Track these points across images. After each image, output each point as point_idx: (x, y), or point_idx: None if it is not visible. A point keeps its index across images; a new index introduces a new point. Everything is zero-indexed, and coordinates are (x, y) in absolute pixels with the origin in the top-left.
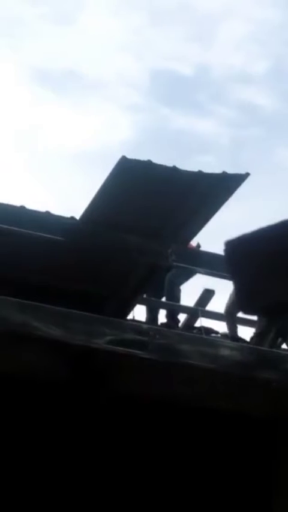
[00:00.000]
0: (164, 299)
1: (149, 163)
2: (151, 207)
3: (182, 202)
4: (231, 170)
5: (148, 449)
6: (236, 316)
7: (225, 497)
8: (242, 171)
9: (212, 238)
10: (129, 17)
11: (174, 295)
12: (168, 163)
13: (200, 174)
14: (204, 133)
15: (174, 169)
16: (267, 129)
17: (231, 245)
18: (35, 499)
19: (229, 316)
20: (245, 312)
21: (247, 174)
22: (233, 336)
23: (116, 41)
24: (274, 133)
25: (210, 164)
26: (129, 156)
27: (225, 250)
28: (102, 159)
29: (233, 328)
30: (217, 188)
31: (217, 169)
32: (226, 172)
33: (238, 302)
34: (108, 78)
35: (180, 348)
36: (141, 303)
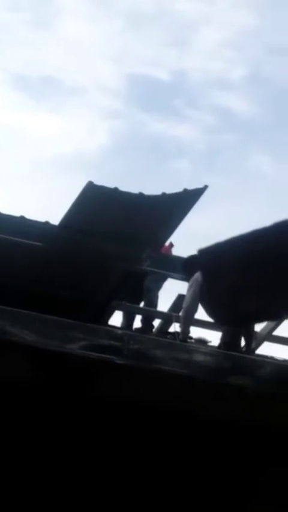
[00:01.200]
0: (142, 304)
1: (114, 191)
2: (119, 226)
3: (147, 221)
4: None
5: (120, 454)
6: (193, 318)
7: (199, 503)
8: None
9: (188, 241)
10: (107, 22)
11: (151, 301)
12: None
13: (163, 196)
14: (180, 139)
15: (140, 195)
16: (243, 134)
17: (204, 253)
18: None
19: (188, 318)
20: (218, 321)
21: (205, 187)
22: (184, 338)
23: (94, 46)
24: (250, 139)
25: (186, 169)
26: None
27: (199, 257)
28: (80, 165)
29: (187, 329)
30: (179, 204)
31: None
32: (186, 189)
33: (211, 311)
34: (86, 84)
35: (154, 353)
36: (117, 308)
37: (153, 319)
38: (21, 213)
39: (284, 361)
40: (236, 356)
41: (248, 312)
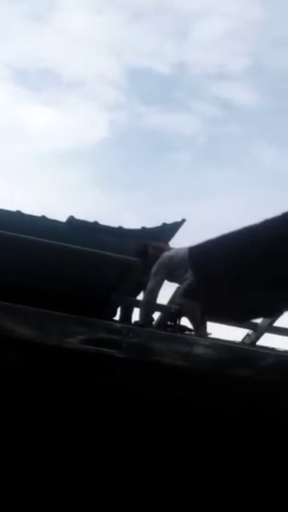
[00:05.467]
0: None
1: (95, 225)
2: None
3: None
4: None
5: (118, 446)
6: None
7: (194, 495)
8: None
9: (189, 234)
10: (107, 14)
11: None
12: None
13: (143, 230)
14: (181, 131)
15: (119, 229)
16: (245, 126)
17: (195, 251)
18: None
19: (151, 303)
20: (212, 319)
21: (183, 220)
22: (145, 323)
23: (94, 38)
24: (251, 130)
25: (186, 160)
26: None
27: (190, 256)
28: (80, 158)
29: (150, 314)
30: (158, 238)
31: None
32: (165, 223)
33: (205, 309)
34: (86, 76)
35: (154, 346)
36: (116, 302)
37: (152, 312)
38: (18, 208)
39: (286, 352)
40: (237, 347)
41: (247, 309)
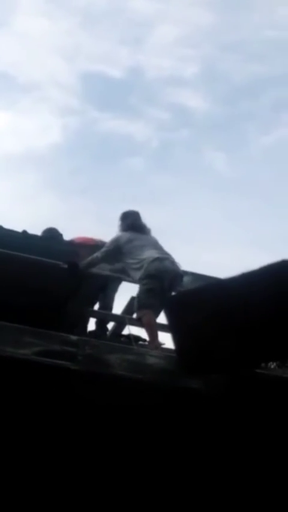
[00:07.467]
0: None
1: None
2: None
3: None
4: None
5: (69, 458)
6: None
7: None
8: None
9: None
10: (62, 19)
11: (106, 304)
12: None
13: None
14: (134, 136)
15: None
16: (197, 131)
17: (172, 301)
18: None
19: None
20: (188, 371)
21: None
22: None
23: (48, 43)
24: (203, 135)
25: (139, 166)
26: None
27: (167, 307)
28: (32, 163)
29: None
30: None
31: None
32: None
33: (179, 359)
34: (40, 81)
35: (108, 358)
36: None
37: (107, 322)
38: None
39: None
40: None
41: (220, 360)
